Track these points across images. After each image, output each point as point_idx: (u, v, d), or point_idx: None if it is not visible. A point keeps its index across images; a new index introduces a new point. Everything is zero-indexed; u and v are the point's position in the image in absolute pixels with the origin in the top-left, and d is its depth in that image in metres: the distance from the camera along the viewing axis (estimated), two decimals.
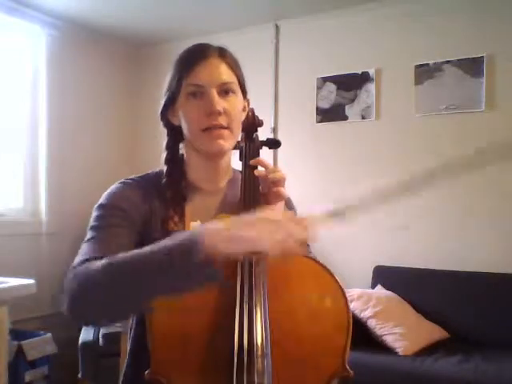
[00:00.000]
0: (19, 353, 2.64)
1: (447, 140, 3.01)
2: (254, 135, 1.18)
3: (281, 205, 1.07)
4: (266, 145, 1.21)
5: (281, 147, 1.25)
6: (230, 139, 1.06)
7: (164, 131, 1.15)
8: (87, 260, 0.91)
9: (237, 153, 1.15)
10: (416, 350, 2.55)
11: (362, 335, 2.61)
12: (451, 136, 3.01)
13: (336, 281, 0.99)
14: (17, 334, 2.70)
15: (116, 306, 0.86)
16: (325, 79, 3.39)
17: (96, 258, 0.89)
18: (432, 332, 2.72)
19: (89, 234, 1.00)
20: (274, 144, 1.24)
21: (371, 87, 3.24)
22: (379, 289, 2.99)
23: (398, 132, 3.15)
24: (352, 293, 2.76)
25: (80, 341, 2.99)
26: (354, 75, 3.30)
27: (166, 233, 1.02)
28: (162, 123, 1.14)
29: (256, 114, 1.19)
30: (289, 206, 1.18)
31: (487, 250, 2.90)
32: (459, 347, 2.58)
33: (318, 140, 3.42)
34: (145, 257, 0.82)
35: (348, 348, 0.96)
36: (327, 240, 3.16)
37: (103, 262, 0.85)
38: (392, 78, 3.20)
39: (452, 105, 2.99)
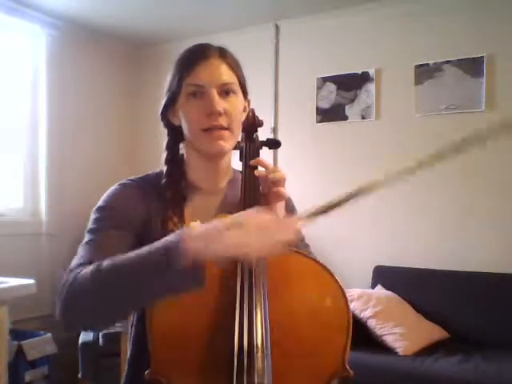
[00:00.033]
0: (19, 353, 2.64)
1: (447, 140, 3.00)
2: (254, 135, 1.18)
3: (281, 205, 1.07)
4: (266, 145, 1.21)
5: (281, 147, 1.25)
6: (230, 140, 1.06)
7: (164, 131, 1.15)
8: (81, 264, 0.92)
9: (237, 153, 1.15)
10: (416, 350, 2.55)
11: (362, 335, 2.61)
12: (451, 136, 3.00)
13: (336, 281, 0.99)
14: (17, 334, 2.70)
15: (104, 312, 0.87)
16: (325, 79, 3.39)
17: (90, 262, 0.90)
18: (432, 332, 2.72)
19: (86, 237, 1.01)
20: (274, 144, 1.24)
21: (371, 87, 3.24)
22: (379, 289, 2.99)
23: (397, 132, 3.16)
24: (352, 293, 2.77)
25: (80, 341, 2.99)
26: (353, 75, 3.30)
27: (166, 233, 1.02)
28: (162, 123, 1.14)
29: (256, 114, 1.20)
30: (289, 205, 1.18)
31: (487, 250, 2.90)
32: (459, 347, 2.58)
33: (317, 140, 3.42)
34: (129, 263, 0.83)
35: (348, 348, 0.96)
36: (327, 240, 3.19)
37: (92, 268, 0.86)
38: (392, 78, 3.20)
39: (452, 105, 2.99)
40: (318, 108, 3.42)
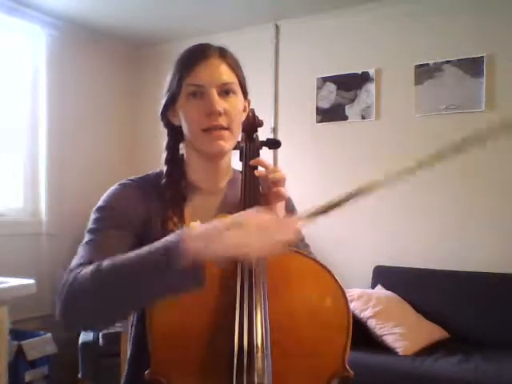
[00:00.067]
0: (19, 353, 2.64)
1: (447, 140, 3.01)
2: (254, 135, 1.18)
3: (281, 205, 1.07)
4: (266, 145, 1.21)
5: (281, 147, 1.25)
6: (230, 140, 1.06)
7: (164, 131, 1.15)
8: (81, 264, 0.92)
9: (237, 153, 1.15)
10: (416, 350, 2.55)
11: (362, 335, 2.61)
12: (451, 136, 3.00)
13: (336, 281, 0.99)
14: (17, 334, 2.70)
15: (104, 312, 0.87)
16: (325, 79, 3.39)
17: (90, 262, 0.90)
18: (432, 332, 2.72)
19: (86, 237, 1.01)
20: (274, 144, 1.24)
21: (371, 87, 3.24)
22: (379, 289, 2.99)
23: (398, 132, 3.16)
24: (352, 293, 2.76)
25: (80, 341, 2.99)
26: (353, 75, 3.30)
27: (166, 233, 1.02)
28: (162, 123, 1.14)
29: (256, 114, 1.20)
30: (289, 205, 1.18)
31: (487, 250, 2.90)
32: (459, 347, 2.58)
33: (318, 140, 3.42)
34: (129, 263, 0.83)
35: (348, 348, 0.96)
36: (327, 240, 3.19)
37: (92, 268, 0.86)
38: (392, 77, 3.20)
39: (452, 105, 2.99)
40: (317, 108, 3.42)
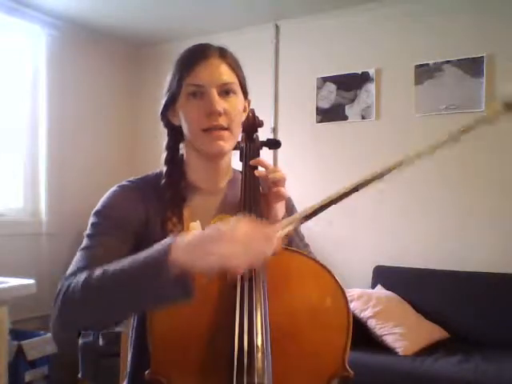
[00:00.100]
0: (19, 353, 2.64)
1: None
2: (255, 136, 1.18)
3: (281, 205, 1.07)
4: (266, 145, 1.22)
5: (281, 147, 1.25)
6: (230, 140, 1.06)
7: (164, 131, 1.15)
8: (76, 272, 0.94)
9: (237, 153, 1.15)
10: (416, 350, 2.55)
11: (362, 335, 2.61)
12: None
13: (336, 281, 0.99)
14: (17, 334, 2.70)
15: (94, 321, 0.89)
16: (325, 79, 3.39)
17: (84, 270, 0.92)
18: (432, 332, 2.72)
19: (84, 242, 1.02)
20: (274, 144, 1.24)
21: (371, 87, 3.24)
22: (379, 289, 2.99)
23: (398, 132, 3.15)
24: (352, 293, 2.76)
25: (80, 341, 2.99)
26: (353, 75, 3.30)
27: (166, 234, 1.03)
28: (162, 123, 1.14)
29: (256, 114, 1.20)
30: (289, 205, 1.18)
31: (487, 250, 2.90)
32: (459, 347, 2.58)
33: (318, 140, 3.42)
34: (118, 273, 0.84)
35: (348, 348, 0.96)
36: (327, 240, 3.19)
37: (83, 277, 0.87)
38: (392, 77, 3.20)
39: (452, 105, 2.99)
40: (318, 108, 3.41)
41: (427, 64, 3.07)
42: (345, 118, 3.32)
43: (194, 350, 0.92)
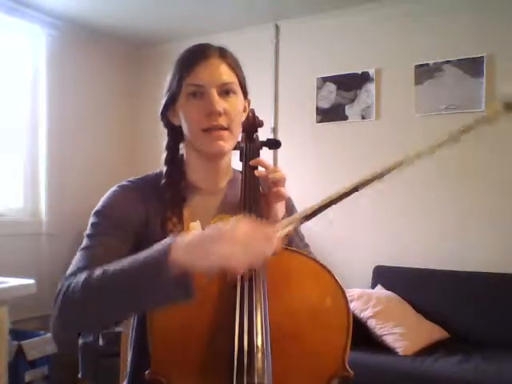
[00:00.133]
0: (19, 353, 2.64)
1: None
2: (255, 136, 1.18)
3: (281, 205, 1.07)
4: (266, 145, 1.22)
5: (281, 147, 1.25)
6: (230, 140, 1.06)
7: (164, 131, 1.15)
8: (76, 272, 0.94)
9: (237, 153, 1.15)
10: (416, 350, 2.55)
11: (362, 335, 2.61)
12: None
13: (336, 281, 0.99)
14: (17, 334, 2.70)
15: (93, 321, 0.89)
16: (325, 79, 3.39)
17: (84, 270, 0.92)
18: (432, 332, 2.72)
19: (83, 242, 1.02)
20: (274, 144, 1.24)
21: (371, 87, 3.24)
22: (379, 289, 2.99)
23: (397, 132, 3.15)
24: (352, 293, 2.76)
25: (80, 341, 2.99)
26: (353, 75, 3.30)
27: (166, 234, 1.03)
28: (162, 123, 1.14)
29: (256, 114, 1.20)
30: (289, 205, 1.18)
31: (487, 250, 2.90)
32: (459, 347, 2.58)
33: (318, 140, 3.42)
34: (118, 274, 0.84)
35: (348, 348, 0.96)
36: (327, 240, 3.18)
37: (83, 278, 0.87)
38: (392, 77, 3.20)
39: (452, 105, 2.99)
40: (318, 108, 3.41)
41: (427, 64, 3.07)
42: (345, 117, 3.32)
43: (194, 349, 0.92)
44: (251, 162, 1.09)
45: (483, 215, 2.93)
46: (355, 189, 0.84)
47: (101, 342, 2.91)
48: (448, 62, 3.01)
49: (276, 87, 3.58)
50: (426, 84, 3.07)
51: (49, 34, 3.37)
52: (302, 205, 1.23)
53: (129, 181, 1.11)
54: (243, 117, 1.13)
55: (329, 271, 1.00)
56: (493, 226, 2.90)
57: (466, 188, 2.97)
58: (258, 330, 0.88)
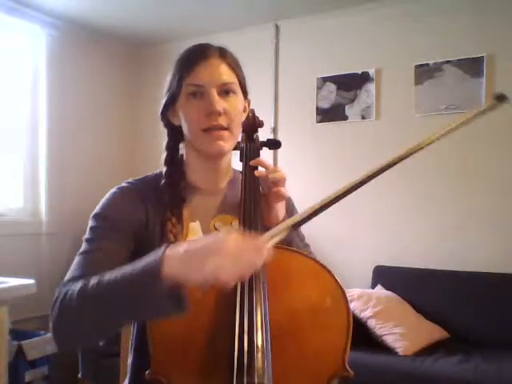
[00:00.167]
0: (19, 353, 2.64)
1: (447, 140, 3.01)
2: (255, 136, 1.18)
3: (281, 205, 1.07)
4: (266, 145, 1.22)
5: (281, 147, 1.25)
6: (229, 140, 1.06)
7: (164, 131, 1.15)
8: (73, 278, 0.94)
9: (237, 153, 1.15)
10: (416, 350, 2.55)
11: (362, 335, 2.61)
12: (451, 136, 3.01)
13: (336, 281, 0.99)
14: (17, 334, 2.70)
15: (88, 330, 0.88)
16: (325, 79, 3.39)
17: (82, 276, 0.92)
18: (432, 332, 2.72)
19: (82, 246, 1.02)
20: (274, 145, 1.24)
21: (371, 87, 3.24)
22: (379, 289, 2.99)
23: (398, 132, 3.15)
24: (352, 293, 2.76)
25: None
26: (354, 75, 3.30)
27: (166, 234, 1.03)
28: (162, 123, 1.14)
29: (256, 114, 1.20)
30: (289, 205, 1.18)
31: (487, 250, 2.90)
32: (459, 347, 2.58)
33: (318, 140, 3.42)
34: (113, 284, 0.83)
35: (348, 348, 0.95)
36: (327, 240, 3.19)
37: (79, 286, 0.87)
38: (392, 77, 3.20)
39: (452, 105, 2.99)
40: (318, 108, 3.41)
41: (427, 64, 3.07)
42: (345, 117, 3.32)
43: (194, 350, 0.92)
44: (251, 163, 1.09)
45: (483, 215, 2.93)
46: (354, 188, 0.85)
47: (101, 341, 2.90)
48: (448, 61, 3.01)
49: (276, 87, 3.58)
50: (425, 84, 3.07)
51: (49, 34, 3.37)
52: (302, 205, 1.23)
53: (128, 182, 1.11)
54: (243, 117, 1.13)
55: (329, 271, 1.00)
56: (493, 226, 2.90)
57: (466, 188, 2.97)
58: (258, 330, 0.88)
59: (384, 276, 3.05)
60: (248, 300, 0.90)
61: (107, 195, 1.08)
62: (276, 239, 0.83)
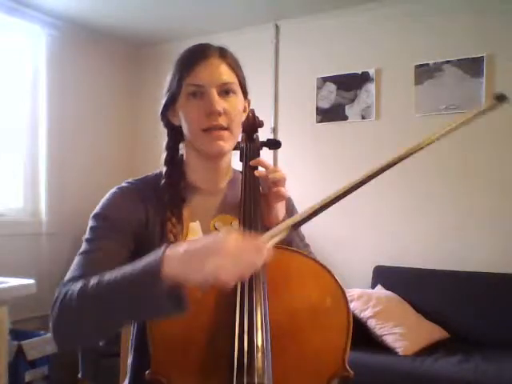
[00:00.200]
0: (19, 353, 2.64)
1: (447, 140, 3.01)
2: (255, 136, 1.18)
3: (281, 205, 1.07)
4: (266, 145, 1.22)
5: (281, 147, 1.25)
6: (229, 140, 1.06)
7: (164, 131, 1.15)
8: (73, 278, 0.94)
9: (237, 153, 1.15)
10: (416, 350, 2.55)
11: (362, 335, 2.61)
12: (451, 136, 3.00)
13: (336, 281, 0.99)
14: (17, 334, 2.70)
15: (88, 330, 0.88)
16: (325, 79, 3.39)
17: (82, 276, 0.92)
18: (432, 332, 2.72)
19: (82, 246, 1.02)
20: (274, 145, 1.24)
21: (371, 87, 3.24)
22: (379, 289, 2.99)
23: (398, 132, 3.15)
24: (352, 293, 2.76)
25: None
26: (353, 75, 3.30)
27: (166, 234, 1.03)
28: (162, 123, 1.14)
29: (256, 114, 1.20)
30: (289, 205, 1.18)
31: (487, 250, 2.90)
32: (459, 347, 2.58)
33: (318, 140, 3.42)
34: (112, 284, 0.83)
35: (348, 348, 0.95)
36: (327, 240, 3.19)
37: (79, 286, 0.87)
38: (392, 77, 3.20)
39: (452, 105, 2.99)
40: (318, 108, 3.41)
41: (427, 64, 3.07)
42: (345, 117, 3.32)
43: (194, 350, 0.92)
44: (251, 163, 1.09)
45: (483, 215, 2.93)
46: (354, 188, 0.85)
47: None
48: (448, 61, 3.01)
49: (276, 87, 3.58)
50: (425, 84, 3.07)
51: (49, 33, 3.37)
52: (302, 205, 1.23)
53: (128, 182, 1.11)
54: (243, 117, 1.13)
55: (329, 271, 1.00)
56: (493, 226, 2.90)
57: (466, 188, 2.97)
58: (258, 330, 0.88)
59: (384, 276, 3.05)
60: (248, 300, 0.90)
61: (107, 195, 1.08)
62: (276, 239, 0.83)
